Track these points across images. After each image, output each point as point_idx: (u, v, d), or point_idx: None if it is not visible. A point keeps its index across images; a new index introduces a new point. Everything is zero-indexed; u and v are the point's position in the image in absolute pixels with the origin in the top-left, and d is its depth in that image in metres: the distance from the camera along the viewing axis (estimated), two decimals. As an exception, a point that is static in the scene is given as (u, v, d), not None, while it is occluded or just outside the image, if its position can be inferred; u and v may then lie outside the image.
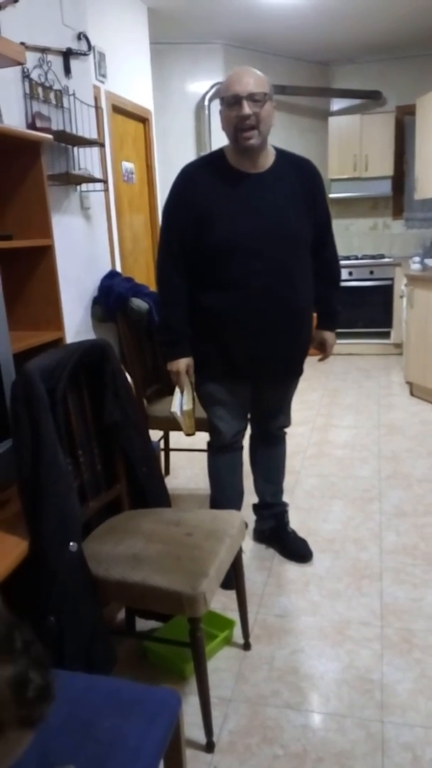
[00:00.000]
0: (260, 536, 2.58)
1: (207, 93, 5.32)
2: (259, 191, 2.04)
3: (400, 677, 1.81)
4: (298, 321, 2.17)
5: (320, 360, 2.49)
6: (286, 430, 2.50)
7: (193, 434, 2.31)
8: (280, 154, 2.11)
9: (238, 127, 1.94)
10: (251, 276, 2.03)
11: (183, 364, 2.16)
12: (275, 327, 2.11)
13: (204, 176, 2.06)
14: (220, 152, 2.10)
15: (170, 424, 2.85)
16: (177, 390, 2.23)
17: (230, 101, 1.93)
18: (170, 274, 2.11)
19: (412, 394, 4.61)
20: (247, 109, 1.91)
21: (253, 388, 2.29)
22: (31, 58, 2.37)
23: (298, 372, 2.32)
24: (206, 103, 5.33)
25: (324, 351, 2.43)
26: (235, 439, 2.35)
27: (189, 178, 2.07)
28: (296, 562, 2.43)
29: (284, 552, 2.48)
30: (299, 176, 2.11)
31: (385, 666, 1.86)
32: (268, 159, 2.07)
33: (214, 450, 2.38)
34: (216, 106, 5.38)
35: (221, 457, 2.38)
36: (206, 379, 2.23)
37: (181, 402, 2.22)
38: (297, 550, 2.46)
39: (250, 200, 2.03)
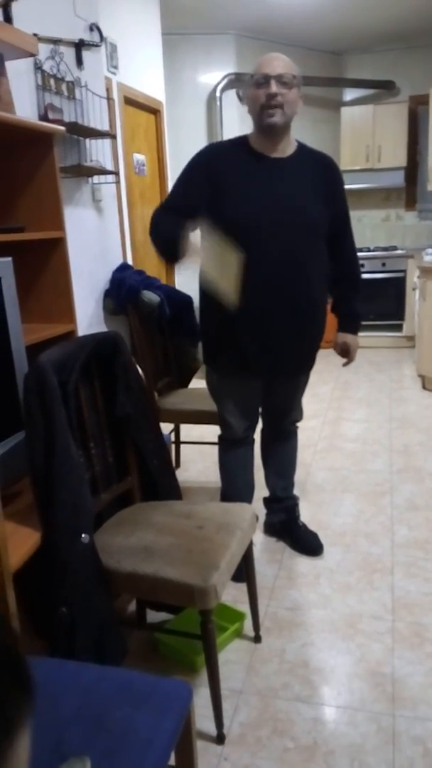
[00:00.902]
0: (271, 529, 2.58)
1: (219, 84, 5.29)
2: (278, 174, 2.03)
3: (411, 671, 1.81)
4: (311, 313, 2.14)
5: (344, 365, 2.42)
6: (298, 424, 2.48)
7: (236, 300, 1.97)
8: (302, 146, 2.12)
9: (264, 105, 1.95)
10: (264, 260, 1.99)
11: (186, 243, 1.92)
12: (286, 318, 2.08)
13: (226, 153, 2.08)
14: (244, 137, 2.11)
15: (181, 416, 2.86)
16: (200, 262, 1.93)
17: (259, 81, 1.95)
18: (169, 211, 2.05)
19: (424, 387, 4.58)
20: (274, 87, 1.93)
21: (265, 383, 2.27)
22: (43, 50, 2.36)
23: (309, 365, 2.29)
24: (218, 94, 5.30)
25: (347, 355, 2.36)
26: (247, 433, 2.34)
27: (212, 152, 2.10)
28: (307, 556, 2.42)
29: (295, 545, 2.48)
30: (319, 168, 2.12)
31: (397, 659, 1.85)
32: (290, 147, 2.08)
33: (225, 444, 2.38)
34: (227, 97, 5.37)
35: (233, 451, 2.37)
36: (218, 374, 2.22)
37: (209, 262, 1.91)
38: (308, 544, 2.46)
39: (268, 181, 2.02)
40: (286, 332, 2.11)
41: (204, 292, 2.12)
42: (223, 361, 2.18)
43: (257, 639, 1.97)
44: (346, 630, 2.00)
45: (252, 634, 1.98)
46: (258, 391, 2.28)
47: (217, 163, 2.05)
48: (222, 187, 2.01)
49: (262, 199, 2.00)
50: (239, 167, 2.03)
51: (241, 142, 2.09)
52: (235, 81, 5.33)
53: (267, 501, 2.58)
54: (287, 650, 1.92)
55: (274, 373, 2.22)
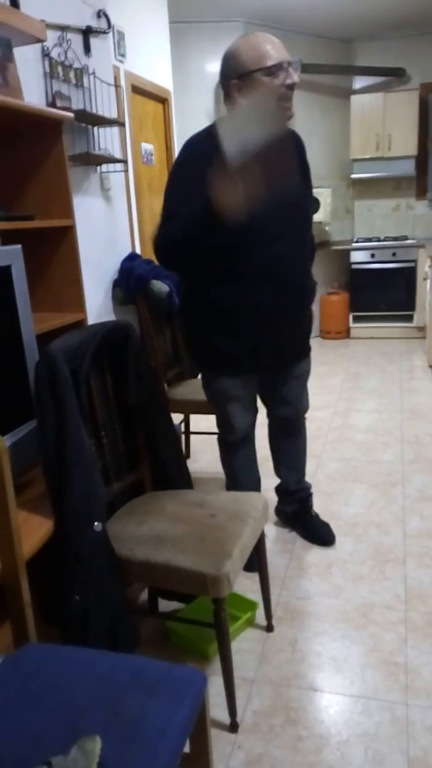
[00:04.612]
0: (283, 517, 2.57)
1: (227, 72, 5.24)
2: None
3: (425, 660, 1.79)
4: (305, 296, 2.11)
5: None
6: (306, 415, 2.45)
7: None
8: None
9: (284, 96, 1.78)
10: (273, 261, 1.93)
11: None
12: (285, 304, 2.02)
13: (210, 150, 1.76)
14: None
15: (191, 406, 2.85)
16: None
17: (273, 70, 1.78)
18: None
19: (435, 377, 4.55)
20: (295, 75, 1.77)
21: (269, 378, 2.24)
22: (50, 37, 2.34)
23: (307, 351, 2.28)
24: (226, 82, 5.26)
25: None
26: (248, 432, 2.30)
27: (197, 150, 1.87)
28: (320, 546, 2.41)
29: (307, 535, 2.47)
30: (295, 151, 2.01)
31: (410, 649, 1.84)
32: None
33: (227, 446, 2.33)
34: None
35: (236, 453, 2.32)
36: (221, 375, 2.14)
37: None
38: (320, 535, 2.45)
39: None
40: (285, 319, 2.05)
41: (208, 302, 1.99)
42: (230, 363, 2.08)
43: (269, 628, 1.96)
44: (359, 620, 1.99)
45: (264, 623, 1.98)
46: (255, 386, 2.23)
47: (205, 162, 1.77)
48: None
49: (270, 201, 1.79)
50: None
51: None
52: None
53: (279, 491, 2.56)
54: (299, 639, 1.92)
55: (277, 362, 2.18)
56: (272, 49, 1.80)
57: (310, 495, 2.53)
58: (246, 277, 1.94)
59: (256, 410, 2.31)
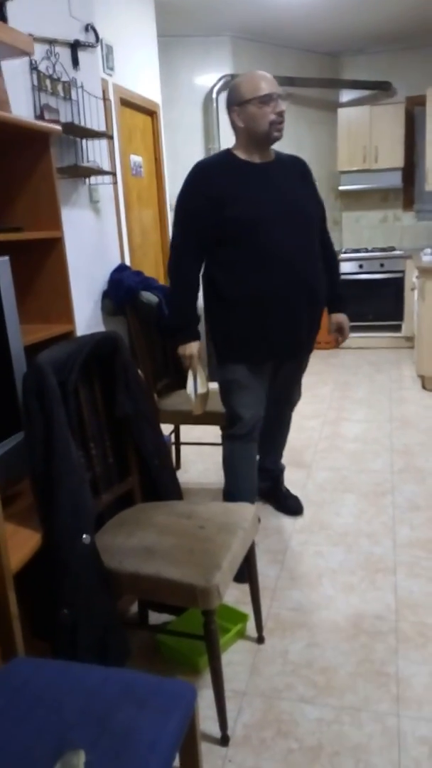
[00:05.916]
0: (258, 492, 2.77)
1: (215, 86, 5.28)
2: (271, 176, 2.22)
3: (415, 671, 1.79)
4: (319, 293, 2.32)
5: (339, 344, 2.65)
6: (296, 424, 2.55)
7: (201, 414, 2.40)
8: (276, 152, 2.31)
9: (274, 121, 2.13)
10: (280, 251, 2.16)
11: (195, 347, 2.27)
12: (303, 301, 2.24)
13: (218, 169, 2.21)
14: (227, 151, 2.27)
15: (181, 417, 2.85)
16: (190, 373, 2.31)
17: (265, 99, 2.12)
18: (189, 259, 2.23)
19: (424, 387, 4.57)
20: (283, 105, 2.14)
21: (273, 368, 2.40)
22: (38, 50, 2.35)
23: (313, 347, 2.47)
24: (214, 95, 5.30)
25: (342, 333, 2.59)
26: (254, 428, 2.38)
27: (205, 171, 2.22)
28: (290, 516, 2.72)
29: (278, 507, 2.78)
30: (298, 169, 2.35)
31: (401, 660, 1.84)
32: (271, 153, 2.28)
33: (232, 439, 2.39)
34: (224, 99, 5.36)
35: (239, 446, 2.39)
36: (232, 364, 2.30)
37: (195, 385, 2.31)
38: (290, 507, 2.75)
39: (265, 183, 2.19)
40: (303, 313, 2.27)
41: (220, 291, 2.23)
42: (249, 352, 2.26)
43: (260, 640, 1.96)
44: (349, 630, 1.98)
45: (255, 635, 1.97)
46: (266, 378, 2.39)
47: (213, 181, 2.17)
48: (227, 197, 2.13)
49: (266, 199, 2.16)
50: (236, 177, 2.18)
51: (227, 155, 2.25)
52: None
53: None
54: (290, 651, 1.91)
55: (286, 355, 2.37)
56: (265, 83, 2.13)
57: (282, 473, 2.81)
58: (245, 264, 2.17)
59: (263, 409, 2.41)
